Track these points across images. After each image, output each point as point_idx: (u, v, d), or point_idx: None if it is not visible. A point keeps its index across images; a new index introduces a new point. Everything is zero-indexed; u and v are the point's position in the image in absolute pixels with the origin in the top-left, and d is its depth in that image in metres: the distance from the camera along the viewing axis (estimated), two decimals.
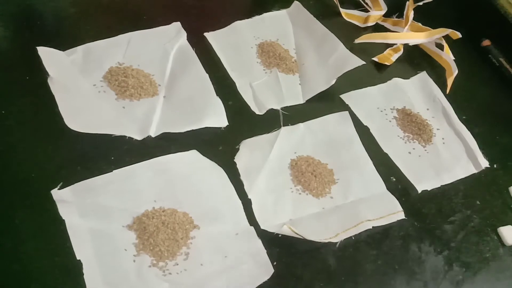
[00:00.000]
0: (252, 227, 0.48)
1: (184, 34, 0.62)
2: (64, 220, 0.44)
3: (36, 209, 0.45)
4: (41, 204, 0.45)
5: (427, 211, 0.54)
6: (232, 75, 0.60)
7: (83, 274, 0.42)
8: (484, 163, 0.59)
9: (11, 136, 0.50)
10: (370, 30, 0.71)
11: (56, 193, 0.46)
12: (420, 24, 0.71)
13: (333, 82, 0.60)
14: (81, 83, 0.55)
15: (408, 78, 0.66)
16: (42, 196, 0.46)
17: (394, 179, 0.56)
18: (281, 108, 0.58)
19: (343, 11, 0.71)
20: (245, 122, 0.57)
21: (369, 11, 0.72)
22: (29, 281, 0.42)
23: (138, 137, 0.52)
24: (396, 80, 0.65)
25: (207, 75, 0.59)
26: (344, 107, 0.61)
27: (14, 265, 0.42)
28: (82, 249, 0.43)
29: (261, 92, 0.59)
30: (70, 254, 0.43)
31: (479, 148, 0.60)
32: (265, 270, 0.45)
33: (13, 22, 0.60)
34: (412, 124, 0.60)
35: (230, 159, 0.52)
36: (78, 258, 0.43)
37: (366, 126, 0.59)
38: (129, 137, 0.52)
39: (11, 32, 0.60)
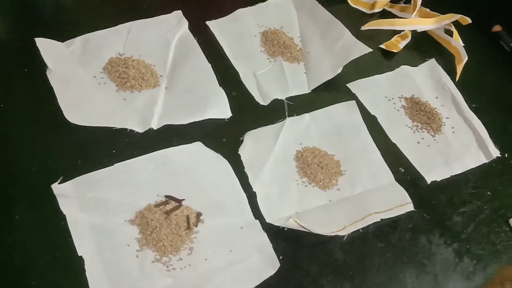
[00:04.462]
0: (257, 221, 0.47)
1: (185, 23, 0.61)
2: (65, 215, 0.44)
3: (36, 204, 0.44)
4: (42, 199, 0.45)
5: (436, 202, 0.53)
6: (235, 64, 0.59)
7: (85, 270, 0.41)
8: (495, 153, 0.58)
9: (9, 129, 0.49)
10: (377, 17, 0.70)
11: (56, 187, 0.45)
12: (428, 9, 0.69)
13: (339, 70, 0.59)
14: (81, 75, 0.54)
15: (417, 66, 0.65)
16: (42, 190, 0.45)
17: (402, 170, 0.54)
18: (286, 98, 0.57)
19: None
20: (249, 113, 0.55)
21: None
22: (30, 277, 0.41)
23: (139, 129, 0.51)
24: (404, 68, 0.64)
25: (209, 65, 0.58)
26: (351, 96, 0.59)
27: (15, 261, 0.41)
28: (83, 244, 0.43)
29: (265, 81, 0.58)
30: (71, 249, 0.42)
31: (490, 137, 0.59)
32: (271, 264, 0.45)
33: (10, 12, 0.59)
34: (421, 113, 0.59)
35: (234, 151, 0.51)
36: (79, 254, 0.42)
37: (373, 115, 0.58)
38: (131, 130, 0.51)
39: (9, 22, 0.58)
